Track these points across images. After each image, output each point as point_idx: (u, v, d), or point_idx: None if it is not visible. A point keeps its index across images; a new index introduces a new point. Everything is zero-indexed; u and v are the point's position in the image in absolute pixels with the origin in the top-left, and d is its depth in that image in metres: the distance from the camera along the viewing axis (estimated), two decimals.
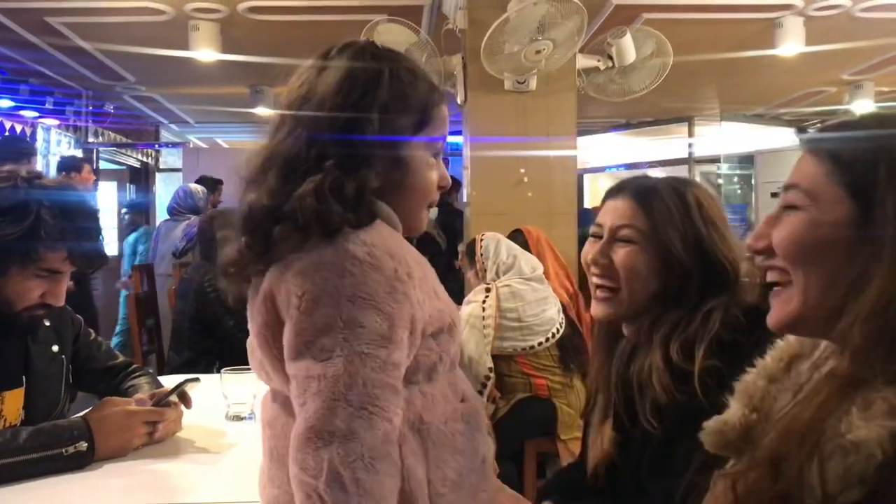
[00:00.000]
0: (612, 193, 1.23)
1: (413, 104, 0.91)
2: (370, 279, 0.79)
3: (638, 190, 1.19)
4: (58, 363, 1.59)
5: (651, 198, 1.16)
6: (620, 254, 1.15)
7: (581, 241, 2.34)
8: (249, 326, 0.90)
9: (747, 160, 7.68)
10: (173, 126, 8.27)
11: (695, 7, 4.06)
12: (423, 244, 4.04)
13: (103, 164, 7.28)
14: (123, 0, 3.94)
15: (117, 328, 5.27)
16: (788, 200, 0.70)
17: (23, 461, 1.26)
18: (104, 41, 4.67)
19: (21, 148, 4.35)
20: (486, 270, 2.67)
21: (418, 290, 0.84)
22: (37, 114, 5.72)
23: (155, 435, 1.46)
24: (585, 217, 4.14)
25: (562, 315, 2.68)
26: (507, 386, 2.64)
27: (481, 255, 2.68)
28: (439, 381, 0.90)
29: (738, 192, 7.85)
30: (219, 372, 1.69)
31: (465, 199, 3.84)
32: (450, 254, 4.52)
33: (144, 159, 8.07)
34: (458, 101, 3.69)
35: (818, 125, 0.99)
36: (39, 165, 5.74)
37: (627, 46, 3.53)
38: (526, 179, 3.54)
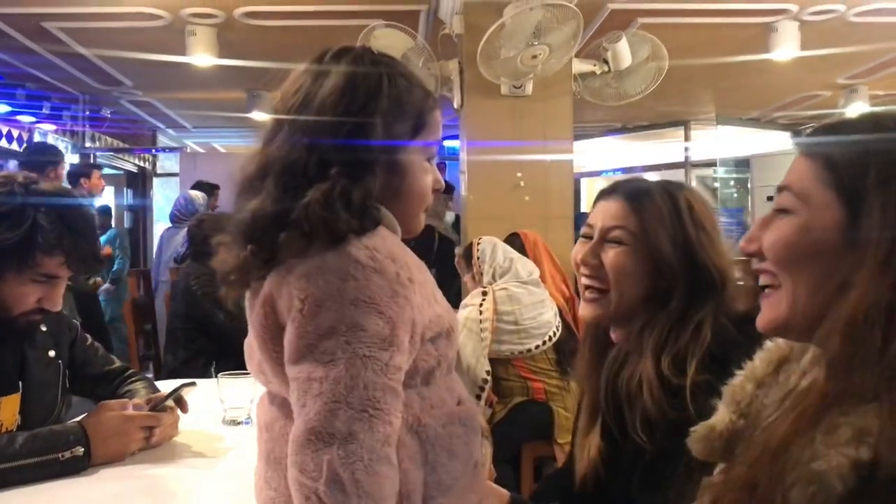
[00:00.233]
0: (604, 194, 1.22)
1: (409, 110, 0.92)
2: (373, 283, 0.80)
3: (630, 191, 1.18)
4: (54, 368, 1.58)
5: (643, 199, 1.16)
6: (610, 254, 1.15)
7: None
8: (249, 329, 0.90)
9: (743, 164, 7.70)
10: (170, 131, 8.27)
11: (690, 11, 4.08)
12: (442, 248, 4.02)
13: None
14: (120, 5, 3.94)
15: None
16: (781, 203, 0.70)
17: (19, 466, 1.26)
18: (101, 46, 4.67)
19: (50, 155, 4.38)
20: (482, 274, 2.67)
21: (419, 295, 0.85)
22: (33, 119, 5.72)
23: (151, 440, 1.46)
24: (582, 221, 4.12)
25: (558, 318, 2.68)
26: (504, 390, 2.64)
27: (478, 258, 2.69)
28: (437, 385, 0.91)
29: (735, 195, 7.86)
30: (215, 371, 1.69)
31: (461, 204, 3.85)
32: None
33: (141, 164, 8.07)
34: (455, 106, 3.70)
35: (814, 126, 0.97)
36: None
37: (623, 51, 3.54)
38: (522, 183, 3.54)
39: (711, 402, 0.81)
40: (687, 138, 7.49)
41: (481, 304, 2.60)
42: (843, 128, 0.71)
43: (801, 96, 6.43)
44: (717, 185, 7.74)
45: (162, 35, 4.35)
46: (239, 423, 1.64)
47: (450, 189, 5.92)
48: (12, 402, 1.47)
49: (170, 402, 1.54)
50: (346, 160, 0.85)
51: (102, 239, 5.35)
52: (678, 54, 3.79)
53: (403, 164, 0.91)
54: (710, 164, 7.70)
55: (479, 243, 2.73)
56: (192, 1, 3.92)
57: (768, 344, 0.79)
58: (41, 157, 4.22)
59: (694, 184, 7.40)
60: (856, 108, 5.93)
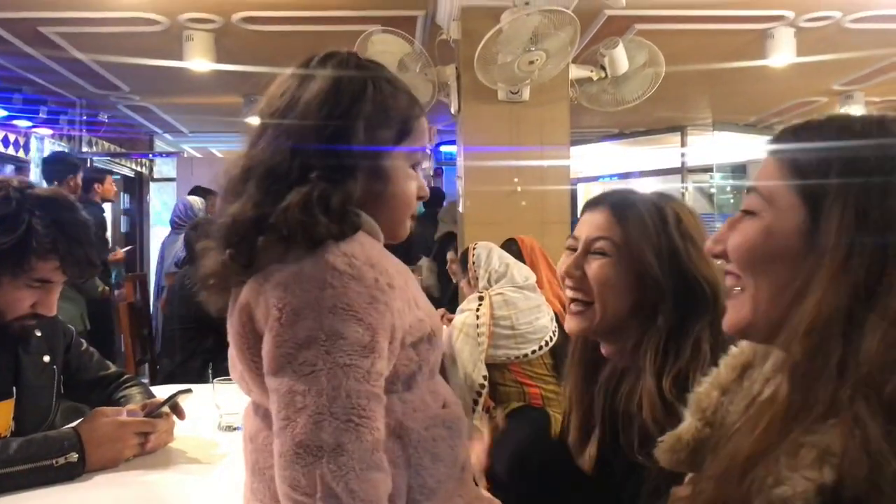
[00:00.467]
0: (589, 205, 1.21)
1: (394, 116, 0.91)
2: (351, 290, 0.79)
3: (615, 202, 1.17)
4: (49, 374, 1.58)
5: (627, 210, 1.14)
6: (594, 266, 1.13)
7: None
8: (229, 338, 0.90)
9: (740, 169, 7.71)
10: (167, 135, 8.27)
11: (687, 18, 4.09)
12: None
13: None
14: (117, 10, 3.94)
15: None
16: (748, 204, 0.70)
17: (12, 472, 1.25)
18: (98, 51, 4.67)
19: (69, 164, 4.44)
20: (477, 279, 2.67)
21: (399, 300, 0.84)
22: (30, 123, 5.71)
23: (146, 446, 1.45)
24: None
25: (555, 324, 2.68)
26: (501, 395, 2.64)
27: (473, 263, 2.69)
28: (419, 389, 0.90)
29: (731, 201, 7.87)
30: (212, 372, 1.69)
31: (460, 209, 3.85)
32: None
33: (139, 169, 8.07)
34: (452, 111, 3.71)
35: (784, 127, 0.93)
36: (34, 175, 5.73)
37: (620, 57, 3.55)
38: (519, 189, 3.55)
39: None
40: (683, 144, 7.51)
41: (478, 309, 2.60)
42: (810, 130, 0.69)
43: (797, 102, 6.45)
44: (713, 190, 7.75)
45: (159, 40, 4.35)
46: (235, 429, 1.63)
47: (440, 195, 5.95)
48: (6, 408, 1.46)
49: (165, 409, 1.53)
50: (327, 164, 0.85)
51: None
52: (675, 60, 3.81)
53: (387, 170, 0.91)
54: (707, 169, 7.71)
55: (474, 248, 2.73)
56: (190, 6, 3.92)
57: (732, 349, 0.79)
58: (60, 166, 4.26)
59: (690, 189, 7.43)
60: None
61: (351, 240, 0.84)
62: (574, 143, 4.26)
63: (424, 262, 4.63)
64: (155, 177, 8.42)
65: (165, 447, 1.52)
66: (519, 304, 2.60)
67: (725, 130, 7.58)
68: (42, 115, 5.72)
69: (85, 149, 6.71)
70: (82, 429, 1.37)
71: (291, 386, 0.77)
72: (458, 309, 2.71)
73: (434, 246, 4.89)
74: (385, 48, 3.44)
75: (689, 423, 0.76)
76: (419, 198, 0.96)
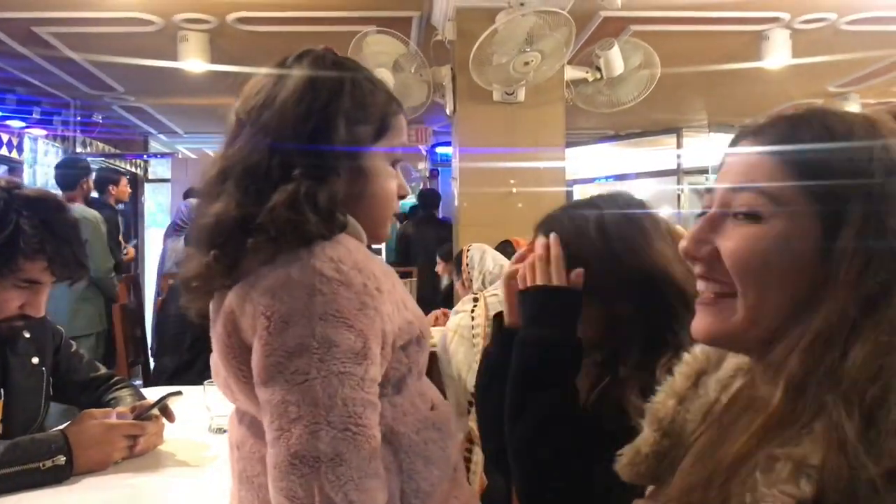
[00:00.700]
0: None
1: (372, 113, 0.90)
2: (340, 296, 0.78)
3: (544, 223, 1.16)
4: (38, 375, 1.56)
5: (552, 228, 1.12)
6: None
7: None
8: (213, 345, 0.88)
9: None
10: (162, 136, 8.24)
11: (682, 19, 4.09)
12: None
13: None
14: (112, 10, 3.93)
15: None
16: (750, 206, 0.61)
17: None
18: (92, 51, 4.65)
19: (81, 168, 4.42)
20: (472, 280, 2.67)
21: (388, 304, 0.83)
22: (24, 124, 5.69)
23: (135, 449, 1.44)
24: None
25: None
26: None
27: (467, 264, 2.69)
28: (408, 392, 0.89)
29: None
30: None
31: (455, 211, 3.84)
32: None
33: (133, 169, 8.04)
34: (448, 112, 3.70)
35: (772, 117, 0.85)
36: (27, 176, 5.71)
37: (615, 58, 3.55)
38: (515, 190, 3.54)
39: None
40: (679, 145, 7.53)
41: (473, 311, 2.59)
42: (815, 121, 0.63)
43: (792, 104, 6.41)
44: None
45: (154, 40, 4.34)
46: (225, 431, 1.60)
47: (436, 196, 5.93)
48: None
49: (155, 411, 1.52)
50: (309, 162, 0.83)
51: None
52: (670, 62, 3.81)
53: (366, 168, 0.89)
54: (703, 171, 7.71)
55: (468, 250, 2.73)
56: (185, 6, 3.91)
57: (686, 357, 0.76)
58: (73, 170, 4.28)
59: (686, 191, 7.44)
60: None
61: (336, 244, 0.82)
62: (570, 144, 4.26)
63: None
64: (150, 178, 8.39)
65: (155, 450, 1.50)
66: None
67: (721, 132, 7.58)
68: (36, 116, 5.70)
69: (79, 149, 6.68)
70: (70, 431, 1.36)
71: (284, 396, 0.76)
72: (453, 310, 2.70)
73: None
74: (380, 49, 3.44)
75: (646, 434, 0.74)
76: (400, 196, 0.95)
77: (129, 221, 8.02)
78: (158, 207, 8.78)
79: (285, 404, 0.75)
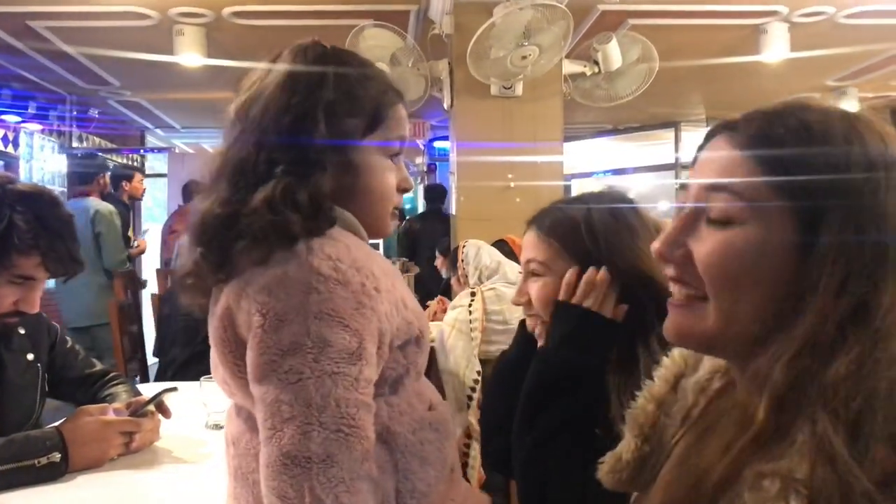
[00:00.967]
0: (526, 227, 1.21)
1: (362, 105, 0.88)
2: (336, 296, 0.77)
3: (537, 219, 1.17)
4: (33, 372, 1.55)
5: (545, 224, 1.14)
6: (534, 288, 1.14)
7: None
8: (210, 341, 0.87)
9: None
10: (159, 131, 8.21)
11: (680, 13, 4.08)
12: None
13: None
14: (107, 4, 3.90)
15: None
16: (722, 209, 0.58)
17: None
18: (88, 45, 4.63)
19: (98, 164, 4.62)
20: (467, 276, 2.67)
21: (386, 303, 0.82)
22: (19, 118, 5.66)
23: (131, 445, 1.43)
24: None
25: None
26: None
27: (462, 260, 2.69)
28: (405, 392, 0.88)
29: None
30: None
31: (452, 205, 3.83)
32: None
33: (130, 164, 8.01)
34: (445, 106, 3.69)
35: (745, 115, 0.63)
36: (23, 171, 5.69)
37: (613, 52, 3.54)
38: (513, 185, 3.53)
39: None
40: (677, 139, 7.52)
41: (470, 305, 2.59)
42: (790, 118, 0.59)
43: (790, 98, 6.44)
44: None
45: (150, 34, 4.31)
46: (222, 427, 1.60)
47: (442, 190, 5.90)
48: None
49: (151, 407, 1.51)
50: (290, 157, 0.82)
51: None
52: (668, 56, 3.79)
53: (357, 162, 0.87)
54: None
55: (464, 246, 2.74)
56: (181, 0, 3.88)
57: (664, 360, 0.75)
58: (90, 168, 4.42)
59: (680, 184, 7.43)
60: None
61: (335, 241, 0.82)
62: (567, 138, 4.25)
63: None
64: (146, 173, 8.36)
65: (151, 446, 1.49)
66: (511, 299, 2.59)
67: None
68: (31, 111, 5.67)
69: (75, 144, 6.65)
70: (65, 428, 1.35)
71: (277, 395, 0.75)
72: (450, 305, 2.70)
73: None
74: (377, 43, 3.42)
75: (627, 441, 0.73)
76: (402, 190, 0.93)
77: (124, 216, 8.01)
78: (155, 202, 8.75)
79: (278, 403, 0.75)
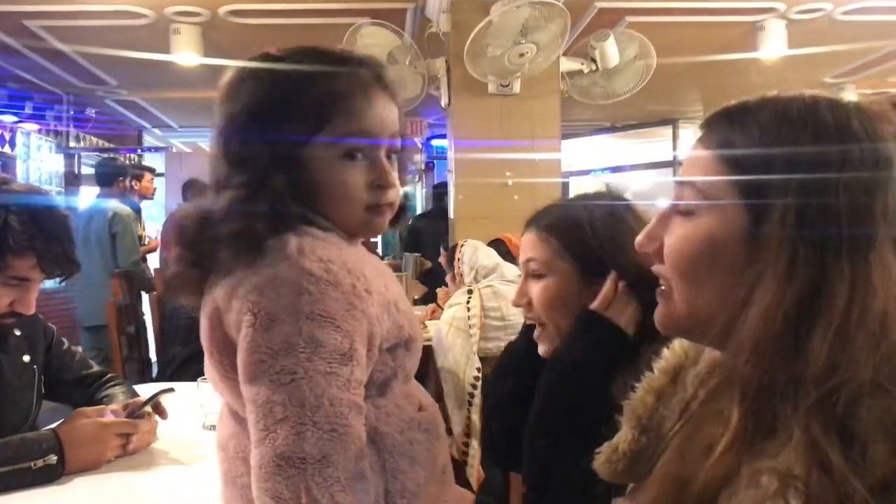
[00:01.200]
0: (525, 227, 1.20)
1: (305, 103, 0.85)
2: (328, 297, 0.76)
3: (536, 219, 1.17)
4: (29, 374, 1.55)
5: (544, 223, 1.14)
6: (534, 289, 1.14)
7: None
8: (202, 341, 0.87)
9: None
10: (156, 130, 8.20)
11: (677, 10, 4.08)
12: None
13: (85, 169, 7.20)
14: (103, 3, 3.89)
15: None
16: (681, 199, 0.63)
17: None
18: (84, 45, 4.62)
19: (118, 167, 4.74)
20: (462, 275, 2.67)
21: (376, 306, 0.81)
22: (16, 118, 5.65)
23: (128, 447, 1.42)
24: None
25: None
26: None
27: (458, 259, 2.69)
28: (393, 394, 0.88)
29: None
30: None
31: (450, 203, 3.83)
32: None
33: (140, 164, 7.99)
34: (443, 105, 3.68)
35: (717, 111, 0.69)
36: (20, 171, 5.68)
37: (611, 49, 3.53)
38: (511, 182, 3.53)
39: None
40: (675, 137, 7.52)
41: (468, 302, 2.58)
42: (745, 114, 0.64)
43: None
44: None
45: (146, 33, 4.31)
46: None
47: (446, 189, 5.88)
48: None
49: (147, 408, 1.50)
50: (246, 163, 0.82)
51: None
52: (666, 53, 3.79)
53: (307, 161, 0.84)
54: None
55: (462, 246, 2.74)
56: None
57: (664, 352, 0.75)
58: (111, 171, 4.59)
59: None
60: None
61: (327, 243, 0.81)
62: (565, 136, 4.25)
63: None
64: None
65: (148, 447, 1.49)
66: (508, 296, 2.58)
67: None
68: (28, 111, 5.66)
69: (73, 144, 6.64)
70: (62, 430, 1.34)
71: (269, 395, 0.74)
72: (447, 304, 2.70)
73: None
74: (374, 41, 3.42)
75: (624, 432, 0.74)
76: (379, 186, 0.88)
77: None
78: (153, 202, 8.72)
79: (271, 404, 0.74)
